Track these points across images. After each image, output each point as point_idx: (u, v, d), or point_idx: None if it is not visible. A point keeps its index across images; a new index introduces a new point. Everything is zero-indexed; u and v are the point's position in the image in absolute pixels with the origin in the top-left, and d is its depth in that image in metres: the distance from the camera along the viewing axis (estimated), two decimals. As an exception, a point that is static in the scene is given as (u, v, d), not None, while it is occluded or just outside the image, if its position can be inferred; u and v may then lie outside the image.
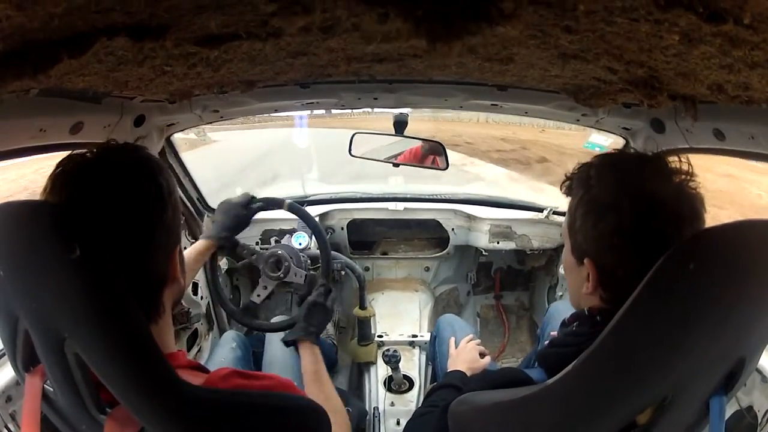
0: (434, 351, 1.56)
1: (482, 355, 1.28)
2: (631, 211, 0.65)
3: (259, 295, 1.45)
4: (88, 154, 0.62)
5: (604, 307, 0.70)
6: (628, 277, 0.64)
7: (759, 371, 1.02)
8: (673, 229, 0.64)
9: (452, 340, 1.38)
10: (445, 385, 1.09)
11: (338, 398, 1.03)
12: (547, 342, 0.79)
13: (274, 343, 1.47)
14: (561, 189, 0.78)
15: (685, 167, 0.68)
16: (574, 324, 0.74)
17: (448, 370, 1.22)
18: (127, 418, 0.56)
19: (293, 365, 1.35)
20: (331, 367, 1.90)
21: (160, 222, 0.62)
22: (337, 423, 0.92)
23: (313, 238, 1.55)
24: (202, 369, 0.71)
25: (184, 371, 0.65)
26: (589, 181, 0.71)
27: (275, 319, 1.57)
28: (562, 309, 1.51)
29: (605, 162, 0.73)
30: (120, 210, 0.58)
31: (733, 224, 0.57)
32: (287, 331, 1.25)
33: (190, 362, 0.70)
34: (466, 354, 1.27)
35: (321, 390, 1.03)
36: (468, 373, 1.15)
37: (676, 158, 0.69)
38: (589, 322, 0.71)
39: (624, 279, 0.66)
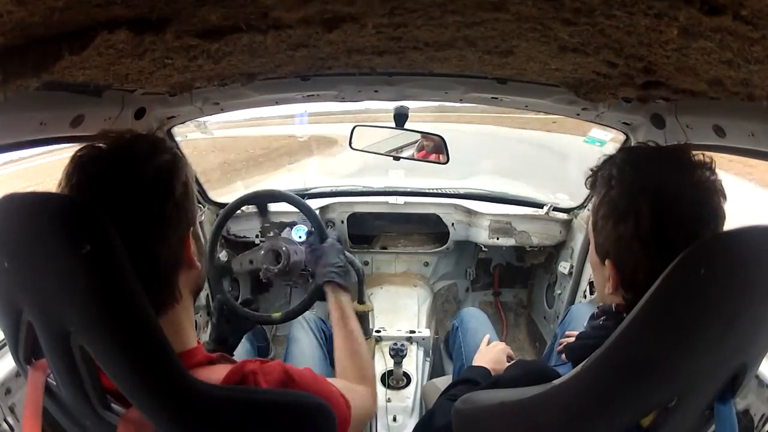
0: (457, 341, 1.57)
1: (510, 359, 1.29)
2: (650, 215, 0.65)
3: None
4: (99, 145, 0.62)
5: (632, 307, 0.70)
6: (647, 281, 0.64)
7: (755, 376, 1.03)
8: (691, 233, 0.63)
9: (487, 337, 1.41)
10: (467, 380, 1.10)
11: (365, 353, 1.00)
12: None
13: (297, 337, 1.50)
14: (585, 183, 0.78)
15: (706, 160, 0.67)
16: (602, 318, 0.75)
17: (473, 364, 1.24)
18: (141, 420, 0.55)
19: (314, 356, 1.42)
20: None
21: (169, 205, 0.61)
22: (360, 379, 0.92)
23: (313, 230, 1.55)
24: (227, 359, 0.70)
25: (203, 366, 0.64)
26: (611, 181, 0.71)
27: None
28: (583, 311, 1.52)
29: (626, 159, 0.73)
30: (125, 194, 0.58)
31: (744, 230, 0.57)
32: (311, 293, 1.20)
33: (208, 356, 0.68)
34: (494, 354, 1.28)
35: (347, 347, 0.99)
36: (492, 373, 1.16)
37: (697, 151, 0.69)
38: (615, 318, 0.72)
39: (644, 283, 0.66)
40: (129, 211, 0.56)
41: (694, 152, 0.69)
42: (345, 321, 1.04)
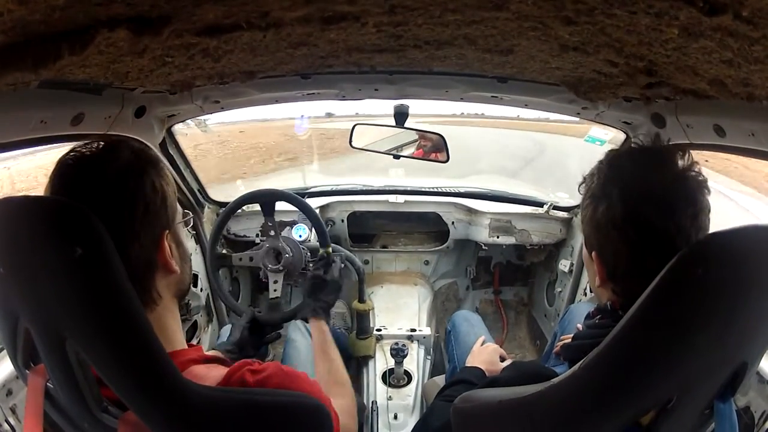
0: (450, 345, 1.59)
1: (503, 359, 1.30)
2: (619, 199, 0.66)
3: (275, 290, 1.44)
4: (80, 149, 0.63)
5: (624, 302, 0.70)
6: (628, 272, 0.66)
7: (756, 372, 1.03)
8: (664, 219, 0.64)
9: (482, 339, 1.42)
10: (462, 380, 1.10)
11: (345, 373, 1.05)
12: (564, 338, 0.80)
13: (293, 338, 1.51)
14: (578, 188, 0.79)
15: (686, 157, 0.67)
16: (598, 317, 0.76)
17: (467, 365, 1.24)
18: (140, 423, 0.55)
19: (310, 356, 1.40)
20: (345, 358, 1.90)
21: (138, 207, 0.61)
22: (342, 395, 0.95)
23: (314, 230, 1.56)
24: (222, 361, 0.70)
25: (199, 366, 0.64)
26: (593, 177, 0.73)
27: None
28: (583, 310, 1.52)
29: (609, 156, 0.75)
30: (94, 196, 0.58)
31: (741, 229, 0.57)
32: (299, 311, 1.25)
33: (205, 356, 0.69)
34: (487, 355, 1.29)
35: (327, 366, 1.05)
36: (486, 374, 1.17)
37: (679, 150, 0.69)
38: (611, 316, 0.72)
39: (625, 274, 0.68)
40: (98, 212, 0.55)
41: (677, 150, 0.69)
42: (326, 349, 1.10)
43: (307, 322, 1.19)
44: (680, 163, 0.66)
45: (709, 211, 0.66)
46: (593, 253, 0.73)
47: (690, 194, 0.65)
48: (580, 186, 0.79)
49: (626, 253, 0.67)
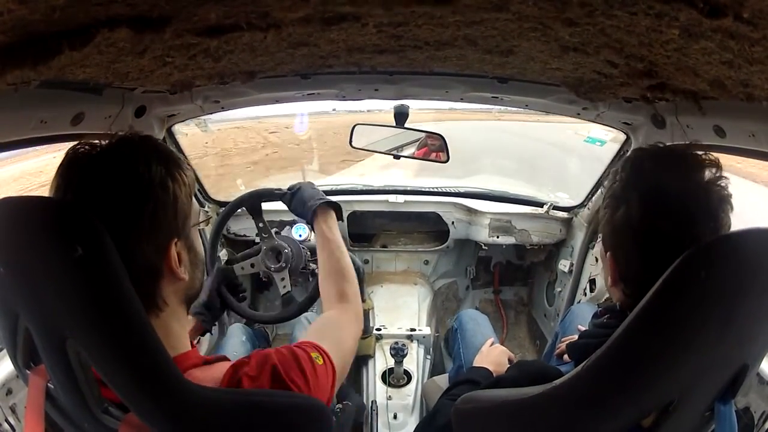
0: (456, 343, 1.59)
1: (510, 361, 1.30)
2: (638, 205, 0.65)
3: (285, 286, 1.42)
4: (89, 146, 0.61)
5: (633, 304, 0.68)
6: (640, 274, 0.66)
7: (756, 373, 1.03)
8: (682, 229, 0.62)
9: (491, 340, 1.42)
10: (469, 380, 1.10)
11: (348, 262, 1.01)
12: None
13: (298, 337, 1.50)
14: (603, 183, 0.79)
15: (712, 165, 0.65)
16: (605, 316, 0.76)
17: (475, 365, 1.25)
18: (142, 424, 0.55)
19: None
20: None
21: (145, 213, 0.59)
22: (349, 281, 0.96)
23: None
24: (223, 359, 0.69)
25: (198, 369, 0.64)
26: (616, 176, 0.72)
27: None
28: (583, 310, 1.52)
29: (631, 157, 0.73)
30: (100, 198, 0.57)
31: (744, 232, 0.57)
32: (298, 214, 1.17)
33: (205, 358, 0.68)
34: (495, 356, 1.29)
35: (328, 261, 1.01)
36: (493, 375, 1.17)
37: (704, 153, 0.67)
38: (618, 317, 0.72)
39: (637, 276, 0.67)
40: (103, 214, 0.54)
41: (700, 153, 0.67)
42: (327, 242, 1.03)
43: (312, 227, 1.10)
44: (707, 173, 0.64)
45: (729, 228, 0.65)
46: (608, 253, 0.73)
47: (711, 209, 0.63)
48: (605, 181, 0.78)
49: (639, 258, 0.67)
